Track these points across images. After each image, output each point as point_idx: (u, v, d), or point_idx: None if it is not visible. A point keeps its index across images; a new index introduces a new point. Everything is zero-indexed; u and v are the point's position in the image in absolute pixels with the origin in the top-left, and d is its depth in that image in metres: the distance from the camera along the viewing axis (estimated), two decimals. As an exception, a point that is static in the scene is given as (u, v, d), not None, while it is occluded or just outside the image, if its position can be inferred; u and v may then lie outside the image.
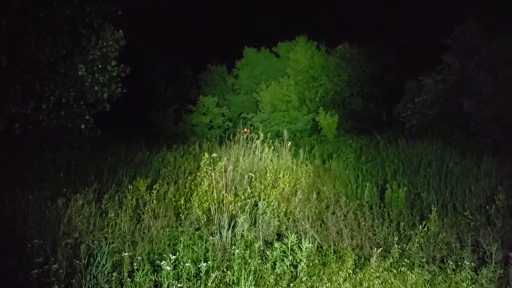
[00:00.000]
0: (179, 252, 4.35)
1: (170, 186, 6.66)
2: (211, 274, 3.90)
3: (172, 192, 6.38)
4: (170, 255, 4.01)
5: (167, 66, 19.09)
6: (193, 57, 21.09)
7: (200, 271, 3.98)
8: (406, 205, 6.13)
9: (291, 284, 3.92)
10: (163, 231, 5.02)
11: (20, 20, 6.51)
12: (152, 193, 5.91)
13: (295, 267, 4.28)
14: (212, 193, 5.81)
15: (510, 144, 8.88)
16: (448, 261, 3.98)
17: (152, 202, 5.74)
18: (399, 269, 3.97)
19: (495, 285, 3.78)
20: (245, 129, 13.85)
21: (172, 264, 3.93)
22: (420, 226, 4.67)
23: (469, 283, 3.71)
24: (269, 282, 3.96)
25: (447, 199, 6.44)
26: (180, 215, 5.60)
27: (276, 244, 4.42)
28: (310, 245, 4.44)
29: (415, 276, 3.84)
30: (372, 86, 17.97)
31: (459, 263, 4.02)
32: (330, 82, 18.55)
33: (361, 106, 17.70)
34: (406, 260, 4.20)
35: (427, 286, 3.79)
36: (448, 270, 3.93)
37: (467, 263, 3.87)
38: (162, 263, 3.90)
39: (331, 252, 4.67)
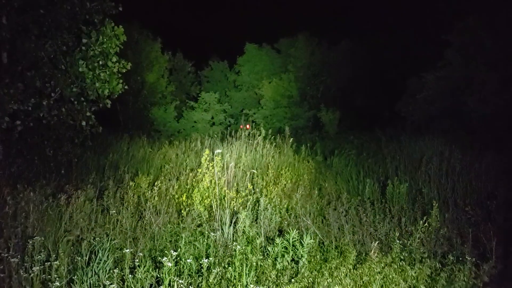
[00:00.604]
0: (181, 249, 4.36)
1: (172, 183, 6.67)
2: (213, 270, 3.91)
3: (174, 189, 6.39)
4: (172, 251, 4.01)
5: (168, 63, 19.06)
6: (195, 54, 21.06)
7: (202, 267, 3.99)
8: (407, 200, 6.12)
9: (293, 280, 3.92)
10: (165, 228, 5.03)
11: (20, 17, 6.50)
12: (154, 189, 5.93)
13: (297, 262, 4.29)
14: (214, 189, 5.82)
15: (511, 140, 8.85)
16: (449, 256, 3.98)
17: (154, 198, 5.76)
18: (400, 264, 3.97)
19: (495, 280, 3.78)
20: (247, 126, 13.85)
21: (173, 260, 3.94)
22: (421, 222, 4.66)
23: (470, 278, 3.71)
24: (271, 277, 3.97)
25: (448, 194, 6.43)
26: (182, 211, 5.61)
27: (278, 240, 4.43)
28: (312, 240, 4.44)
29: (416, 272, 3.84)
30: (374, 82, 17.92)
31: (460, 258, 4.02)
32: (332, 78, 18.51)
33: (362, 102, 17.67)
34: (407, 255, 4.20)
35: (428, 281, 3.79)
36: (449, 265, 3.93)
37: (468, 258, 3.86)
38: (163, 259, 3.91)
39: (332, 248, 4.68)
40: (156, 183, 6.13)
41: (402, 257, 4.11)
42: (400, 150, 9.35)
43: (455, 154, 8.02)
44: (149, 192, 5.95)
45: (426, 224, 4.67)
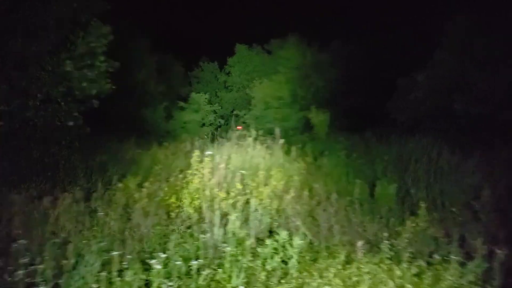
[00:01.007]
0: (170, 251, 4.33)
1: (161, 184, 6.62)
2: (202, 272, 3.89)
3: (163, 190, 6.34)
4: (161, 253, 3.98)
5: (158, 63, 18.92)
6: (185, 54, 20.95)
7: (191, 269, 3.97)
8: (396, 201, 6.17)
9: (282, 281, 3.93)
10: (154, 230, 4.99)
11: (6, 17, 6.39)
12: (143, 191, 5.87)
13: (287, 263, 4.29)
14: (203, 190, 5.79)
15: (501, 141, 8.99)
16: (436, 256, 4.03)
17: (143, 200, 5.70)
18: (388, 263, 4.01)
19: (480, 279, 3.83)
20: (238, 126, 13.85)
21: (162, 262, 3.91)
22: (409, 222, 4.71)
23: (456, 277, 3.76)
24: (260, 279, 3.96)
25: (436, 195, 6.50)
26: (171, 213, 5.57)
27: (268, 241, 4.43)
28: (302, 241, 4.46)
29: (403, 271, 3.88)
30: (364, 83, 18.05)
31: (446, 258, 4.08)
32: (322, 79, 18.59)
33: (353, 103, 17.77)
34: (395, 255, 4.24)
35: (415, 280, 3.83)
36: (436, 265, 3.98)
37: (454, 258, 3.92)
38: (152, 261, 3.88)
39: (322, 248, 4.69)
40: (145, 185, 6.07)
41: (390, 257, 4.15)
42: (389, 151, 9.43)
43: (443, 154, 8.13)
44: (138, 193, 5.89)
45: (414, 224, 4.72)
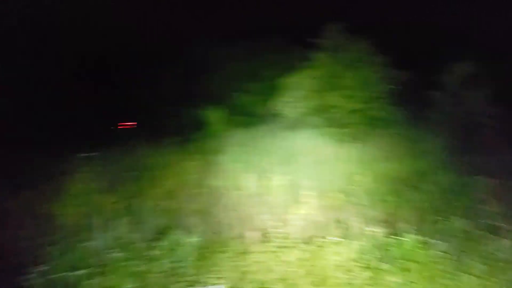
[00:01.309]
0: (53, 262, 3.96)
1: (38, 191, 5.92)
2: (90, 281, 3.67)
3: (41, 196, 5.68)
4: (41, 266, 3.62)
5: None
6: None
7: (78, 279, 3.71)
8: (285, 191, 6.62)
9: (177, 280, 3.94)
10: (33, 241, 4.47)
11: None
12: (16, 200, 5.21)
13: (181, 262, 4.30)
14: (89, 195, 5.39)
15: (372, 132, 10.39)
16: (317, 239, 4.52)
17: (17, 210, 5.05)
18: (275, 251, 4.35)
19: (356, 256, 4.41)
20: (127, 124, 13.08)
21: (44, 275, 3.56)
22: (295, 210, 5.15)
23: (335, 255, 4.28)
24: (154, 280, 3.91)
25: (318, 183, 7.17)
26: (51, 221, 5.04)
27: (162, 242, 4.38)
28: (196, 239, 4.52)
29: (291, 255, 4.26)
30: (252, 81, 18.82)
31: (326, 239, 4.60)
32: (214, 76, 18.79)
33: (243, 100, 18.40)
34: (282, 242, 4.61)
35: (300, 263, 4.23)
36: (318, 247, 4.46)
37: (333, 238, 4.45)
38: (30, 276, 3.51)
39: (216, 243, 4.81)
40: (19, 193, 5.38)
41: (278, 245, 4.50)
42: (277, 145, 10.04)
43: (324, 146, 9.05)
44: (11, 203, 5.20)
45: (299, 211, 5.17)
